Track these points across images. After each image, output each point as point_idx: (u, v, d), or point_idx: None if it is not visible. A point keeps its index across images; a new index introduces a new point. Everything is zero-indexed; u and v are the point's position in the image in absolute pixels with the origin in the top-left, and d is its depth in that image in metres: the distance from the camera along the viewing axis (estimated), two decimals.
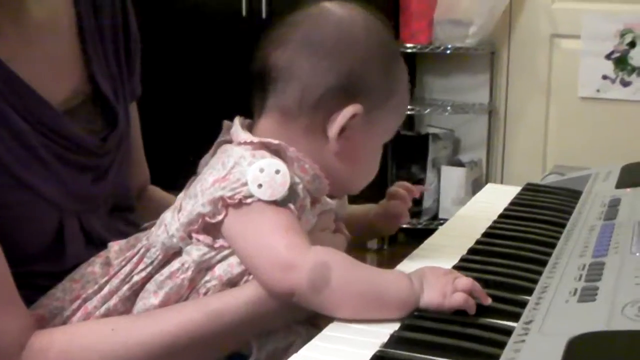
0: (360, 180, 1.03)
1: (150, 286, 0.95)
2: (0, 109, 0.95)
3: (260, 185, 0.90)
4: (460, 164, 3.74)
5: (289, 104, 0.98)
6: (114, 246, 1.00)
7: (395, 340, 0.79)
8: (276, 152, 0.95)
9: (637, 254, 0.90)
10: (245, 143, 0.96)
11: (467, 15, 3.50)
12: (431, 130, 3.82)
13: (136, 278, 0.95)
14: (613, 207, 1.15)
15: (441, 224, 1.26)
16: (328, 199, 1.00)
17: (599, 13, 3.47)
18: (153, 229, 0.99)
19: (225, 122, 1.02)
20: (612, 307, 0.74)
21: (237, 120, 1.01)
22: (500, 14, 3.57)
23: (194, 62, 3.70)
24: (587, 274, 0.86)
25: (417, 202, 3.70)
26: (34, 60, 1.02)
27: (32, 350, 0.89)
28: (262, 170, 0.91)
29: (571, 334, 0.68)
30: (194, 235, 0.94)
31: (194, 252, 0.94)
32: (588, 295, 0.79)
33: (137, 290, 0.95)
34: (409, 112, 3.65)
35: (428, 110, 3.69)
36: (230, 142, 1.00)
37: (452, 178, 3.68)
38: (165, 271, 0.95)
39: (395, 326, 0.83)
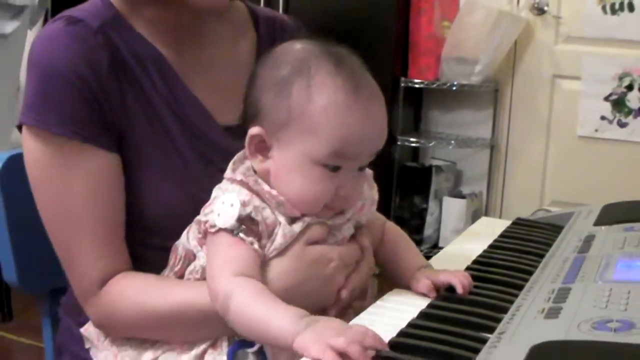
0: (295, 199, 1.05)
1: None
2: (158, 109, 1.15)
3: (219, 215, 1.03)
4: (461, 196, 3.81)
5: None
6: None
7: None
8: (246, 185, 1.06)
9: (599, 283, 1.03)
10: (228, 179, 1.09)
11: (473, 54, 3.58)
12: (435, 162, 3.89)
13: (176, 269, 1.12)
14: (587, 242, 1.26)
15: None
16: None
17: (599, 56, 3.55)
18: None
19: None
20: (571, 323, 0.87)
21: (235, 156, 1.11)
22: (505, 54, 3.65)
23: None
24: (554, 297, 0.99)
25: (419, 230, 3.77)
26: (206, 84, 1.20)
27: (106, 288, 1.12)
28: (223, 203, 1.03)
29: (533, 343, 0.83)
30: (202, 245, 1.08)
31: (202, 259, 1.08)
32: (553, 313, 0.92)
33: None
34: (413, 145, 3.74)
35: (432, 143, 3.77)
36: None
37: (452, 209, 3.75)
38: (187, 271, 1.11)
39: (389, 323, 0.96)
